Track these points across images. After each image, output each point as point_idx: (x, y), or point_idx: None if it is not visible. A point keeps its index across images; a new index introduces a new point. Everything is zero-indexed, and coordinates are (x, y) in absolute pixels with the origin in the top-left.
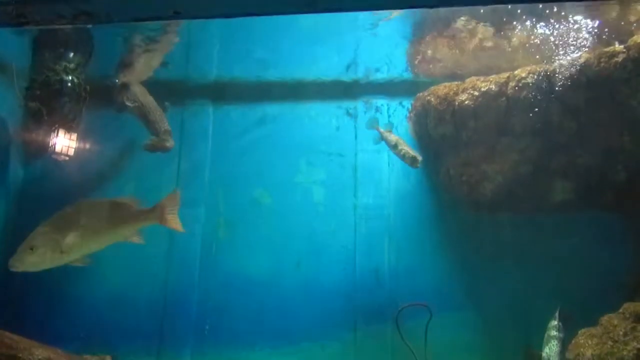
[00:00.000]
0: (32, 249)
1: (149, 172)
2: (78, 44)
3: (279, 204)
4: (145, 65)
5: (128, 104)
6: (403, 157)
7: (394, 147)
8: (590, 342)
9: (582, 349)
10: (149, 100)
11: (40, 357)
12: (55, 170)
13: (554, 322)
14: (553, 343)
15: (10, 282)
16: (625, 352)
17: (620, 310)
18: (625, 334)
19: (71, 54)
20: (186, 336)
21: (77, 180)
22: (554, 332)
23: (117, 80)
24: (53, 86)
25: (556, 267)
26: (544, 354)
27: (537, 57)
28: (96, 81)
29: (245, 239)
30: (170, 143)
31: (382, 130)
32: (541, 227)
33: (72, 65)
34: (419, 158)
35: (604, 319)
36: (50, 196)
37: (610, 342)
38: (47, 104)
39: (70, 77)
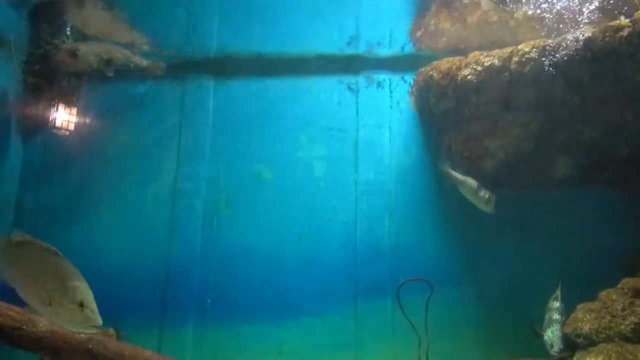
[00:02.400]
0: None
1: (150, 147)
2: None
3: (280, 179)
4: (104, 23)
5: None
6: (487, 201)
7: (474, 192)
8: (588, 316)
9: (580, 324)
10: (114, 50)
11: (44, 329)
12: (55, 145)
13: (557, 304)
14: (555, 327)
15: None
16: (623, 327)
17: (619, 286)
18: (623, 309)
19: (69, 28)
20: (188, 310)
21: (77, 155)
22: (556, 316)
23: (60, 46)
24: (52, 60)
25: (557, 243)
26: (545, 337)
27: (541, 31)
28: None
29: (246, 214)
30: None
31: (456, 174)
32: (542, 203)
33: (70, 40)
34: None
35: (603, 293)
36: (50, 172)
37: (608, 317)
38: (46, 78)
39: None
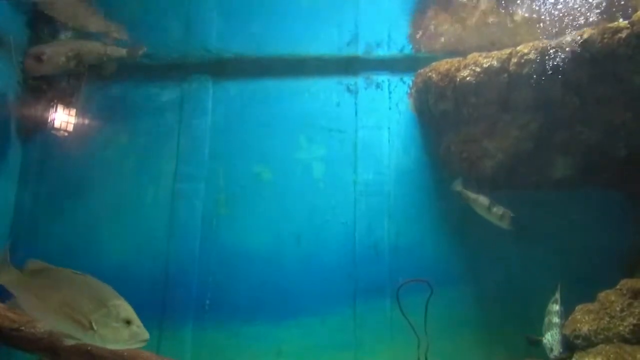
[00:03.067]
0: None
1: (149, 148)
2: None
3: (279, 180)
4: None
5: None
6: (501, 217)
7: (487, 209)
8: (587, 317)
9: (578, 325)
10: (82, 45)
11: (42, 330)
12: (54, 146)
13: (556, 307)
14: (555, 331)
15: (14, 256)
16: (621, 328)
17: (618, 287)
18: (622, 310)
19: (69, 29)
20: (187, 311)
21: (77, 156)
22: (555, 319)
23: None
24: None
25: (555, 244)
26: (545, 341)
27: (540, 32)
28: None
29: (246, 215)
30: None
31: (469, 193)
32: (541, 204)
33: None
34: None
35: (601, 294)
36: (49, 172)
37: (607, 318)
38: (45, 79)
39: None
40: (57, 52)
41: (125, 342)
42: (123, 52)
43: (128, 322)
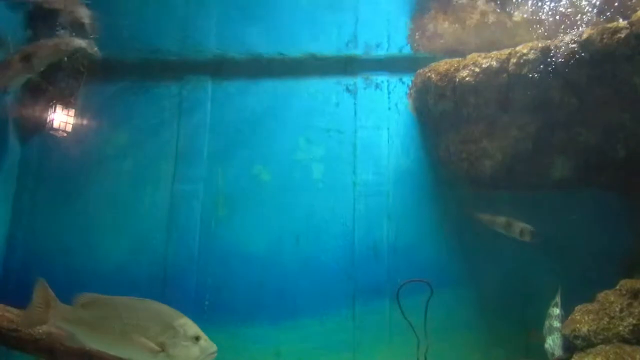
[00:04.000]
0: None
1: (148, 148)
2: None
3: (278, 181)
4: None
5: None
6: (520, 233)
7: (506, 227)
8: (586, 318)
9: (578, 325)
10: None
11: (41, 330)
12: (52, 146)
13: (557, 311)
14: (556, 335)
15: (12, 256)
16: (621, 328)
17: (617, 287)
18: (621, 310)
19: (68, 28)
20: (185, 312)
21: (75, 156)
22: (557, 324)
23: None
24: None
25: (554, 244)
26: (546, 345)
27: (540, 33)
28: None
29: (244, 216)
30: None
31: (484, 215)
32: (540, 205)
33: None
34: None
35: (601, 295)
36: (48, 172)
37: (606, 318)
38: (44, 78)
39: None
40: (3, 67)
41: (197, 359)
42: (82, 43)
43: (197, 339)
